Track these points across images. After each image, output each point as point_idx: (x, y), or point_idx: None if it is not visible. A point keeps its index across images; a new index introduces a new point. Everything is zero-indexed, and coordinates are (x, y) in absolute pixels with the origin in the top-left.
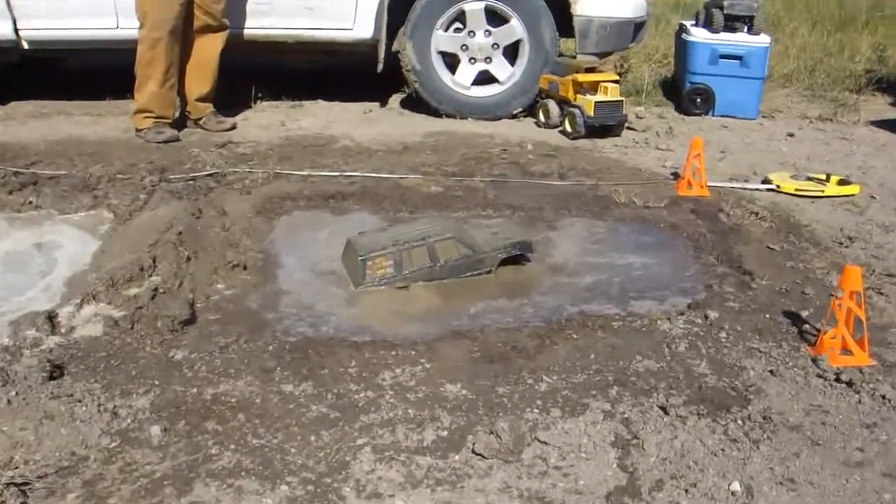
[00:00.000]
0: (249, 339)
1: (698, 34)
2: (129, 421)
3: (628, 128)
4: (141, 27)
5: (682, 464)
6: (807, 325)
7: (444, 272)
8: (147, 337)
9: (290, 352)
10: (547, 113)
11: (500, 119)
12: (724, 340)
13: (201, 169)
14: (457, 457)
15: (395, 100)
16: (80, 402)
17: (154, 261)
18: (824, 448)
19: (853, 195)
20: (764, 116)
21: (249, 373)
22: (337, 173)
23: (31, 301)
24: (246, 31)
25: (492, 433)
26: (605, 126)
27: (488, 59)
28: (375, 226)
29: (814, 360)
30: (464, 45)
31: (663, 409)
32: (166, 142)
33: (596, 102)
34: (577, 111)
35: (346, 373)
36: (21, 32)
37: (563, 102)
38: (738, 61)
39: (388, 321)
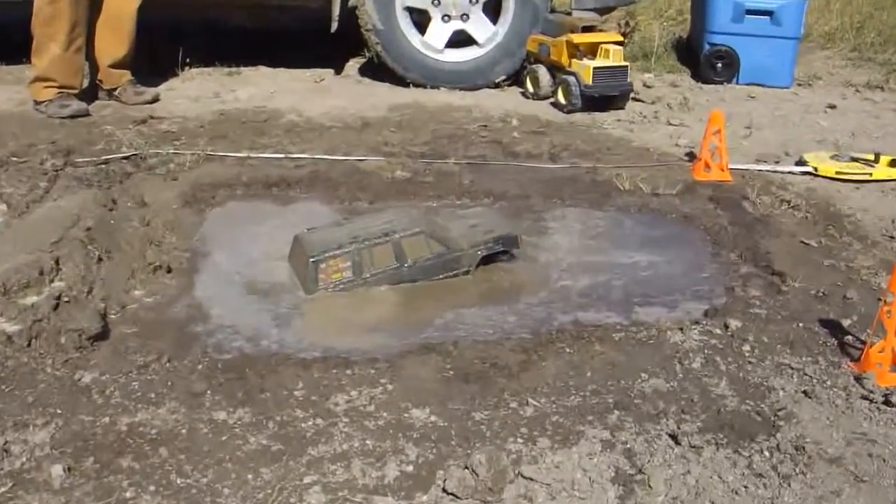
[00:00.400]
0: (174, 356)
1: None
2: (23, 459)
3: (634, 99)
4: None
5: None
6: (849, 337)
7: (413, 274)
8: (48, 356)
9: (223, 372)
10: (536, 81)
11: (479, 89)
12: (747, 355)
13: (116, 150)
14: (424, 497)
15: (352, 66)
16: None
17: (57, 263)
18: (870, 486)
19: None
20: (799, 84)
21: (174, 398)
22: (282, 155)
23: None
24: None
25: (467, 468)
26: (606, 97)
27: (465, 17)
28: (329, 219)
29: (857, 379)
30: None
31: (674, 437)
32: (72, 116)
33: (595, 69)
34: (571, 79)
35: (291, 396)
36: None
37: (555, 68)
38: (767, 17)
39: (344, 334)
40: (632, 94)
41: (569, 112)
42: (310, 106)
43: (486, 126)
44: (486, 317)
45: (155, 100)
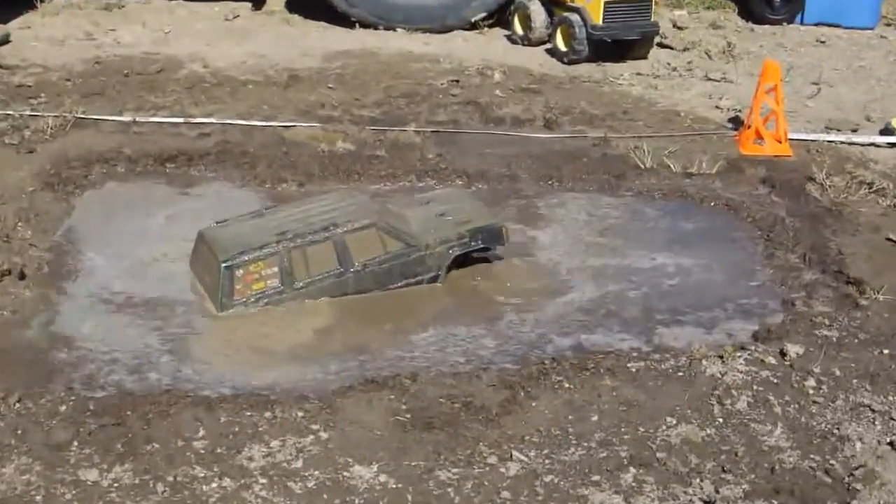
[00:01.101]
0: (27, 394)
1: None
2: None
3: (660, 45)
4: None
5: None
6: None
7: (362, 282)
8: None
9: (95, 415)
10: (527, 21)
11: (449, 31)
12: (812, 393)
13: None
14: None
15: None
16: None
17: None
18: None
19: None
20: (888, 24)
21: (26, 451)
22: (180, 119)
23: None
24: None
25: None
26: (622, 42)
27: None
28: (245, 208)
29: None
30: None
31: None
32: None
33: (607, 3)
34: (575, 18)
35: (188, 448)
36: None
37: (553, 3)
38: None
39: (265, 364)
40: (657, 39)
41: (571, 62)
42: (219, 53)
43: (458, 82)
44: (457, 340)
45: (3, 41)
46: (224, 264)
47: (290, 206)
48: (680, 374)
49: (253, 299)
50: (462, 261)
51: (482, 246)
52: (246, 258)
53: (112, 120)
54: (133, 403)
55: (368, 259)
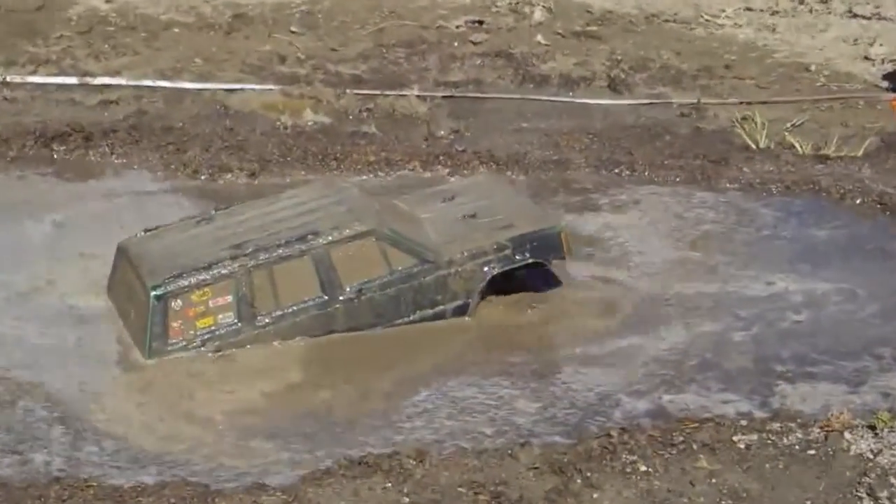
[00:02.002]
0: None
1: None
2: None
3: None
4: None
5: None
6: None
7: (357, 315)
8: None
9: None
10: None
11: None
12: None
13: None
14: None
15: None
16: None
17: None
18: None
19: None
20: None
21: None
22: (73, 80)
23: None
24: None
25: None
26: None
27: None
28: (173, 211)
29: None
30: None
31: None
32: None
33: None
34: None
35: None
36: None
37: None
38: None
39: (204, 436)
40: None
41: None
42: None
43: (481, 23)
44: (485, 400)
45: None
46: (154, 293)
47: (249, 205)
48: (811, 452)
49: (197, 342)
50: (501, 283)
51: (530, 261)
52: (186, 283)
53: None
54: (8, 500)
55: (365, 282)
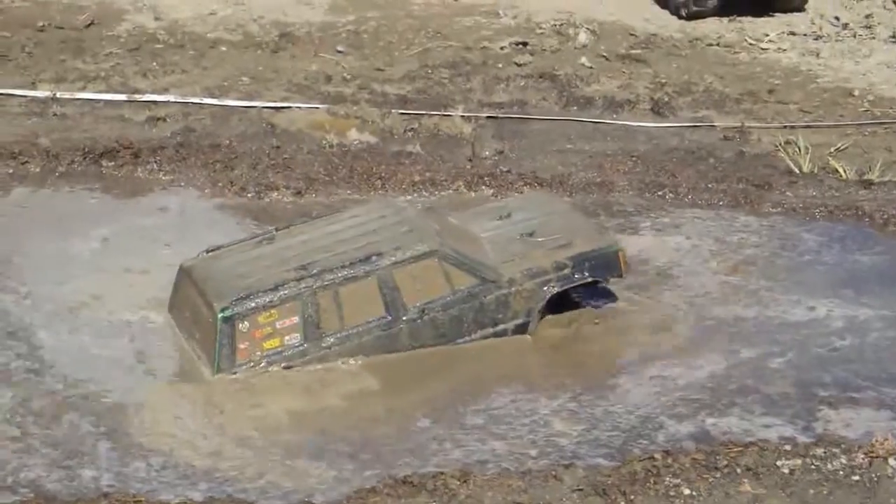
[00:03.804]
0: None
1: None
2: None
3: None
4: None
5: None
6: None
7: (419, 335)
8: None
9: None
10: None
11: None
12: None
13: None
14: None
15: None
16: None
17: None
18: None
19: None
20: None
21: None
22: (122, 96)
23: None
24: None
25: None
26: None
27: None
28: (219, 226)
29: None
30: None
31: None
32: None
33: None
34: None
35: None
36: None
37: None
38: None
39: (254, 453)
40: None
41: (691, 16)
42: None
43: (525, 45)
44: (528, 421)
45: None
46: (222, 315)
47: (309, 225)
48: (855, 478)
49: (264, 363)
50: (558, 300)
51: (589, 279)
52: (253, 305)
53: (21, 95)
54: None
55: (428, 302)
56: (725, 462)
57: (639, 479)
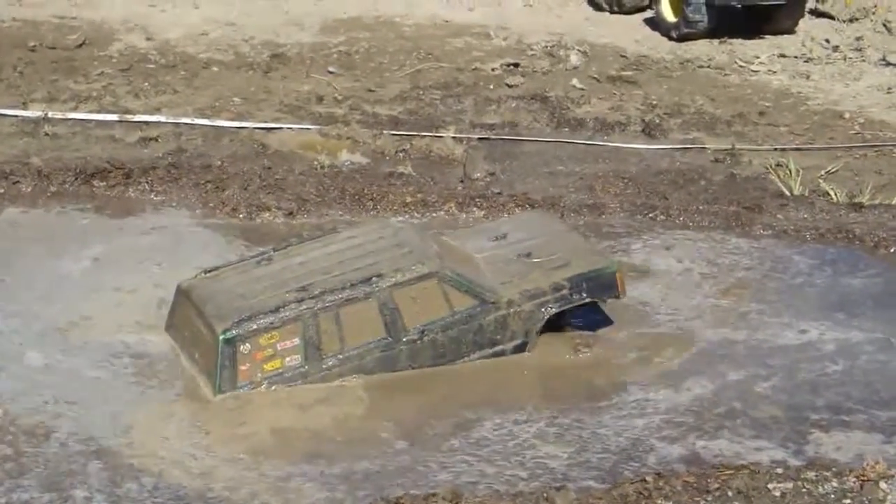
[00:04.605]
0: None
1: None
2: None
3: (813, 11)
4: None
5: None
6: None
7: (419, 356)
8: None
9: None
10: None
11: None
12: None
13: None
14: None
15: None
16: None
17: None
18: None
19: None
20: None
21: None
22: (114, 117)
23: None
24: None
25: None
26: (757, 7)
27: None
28: (211, 246)
29: None
30: None
31: None
32: None
33: None
34: None
35: None
36: None
37: None
38: None
39: (242, 473)
40: (810, 2)
41: (682, 38)
42: (168, 19)
43: (517, 66)
44: (518, 443)
45: None
46: (223, 337)
47: (307, 246)
48: (847, 501)
49: (265, 384)
50: (554, 321)
51: (587, 300)
52: (254, 327)
53: (12, 115)
54: None
55: (427, 323)
56: (717, 485)
57: (630, 501)
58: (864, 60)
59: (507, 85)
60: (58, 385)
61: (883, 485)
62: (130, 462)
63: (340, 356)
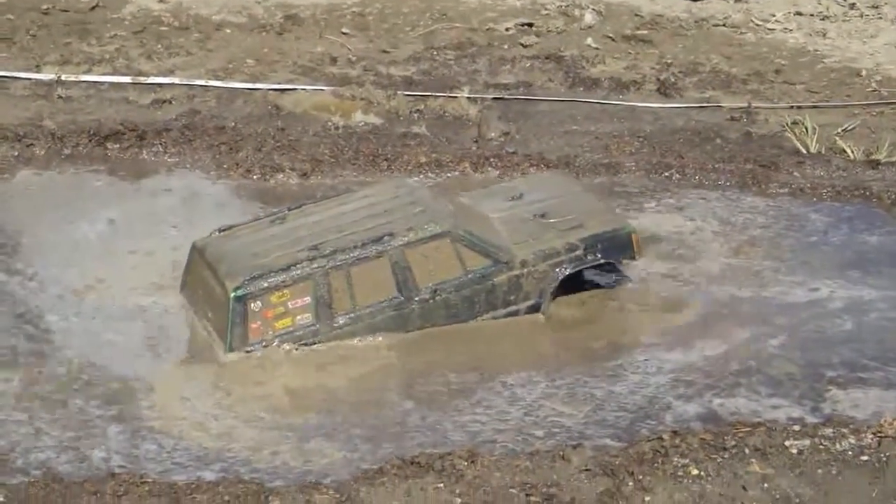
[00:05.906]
0: None
1: None
2: None
3: None
4: None
5: None
6: None
7: (431, 315)
8: None
9: None
10: None
11: None
12: None
13: None
14: None
15: None
16: None
17: None
18: None
19: None
20: None
21: None
22: (127, 78)
23: None
24: None
25: None
26: None
27: None
28: (226, 208)
29: None
30: None
31: None
32: None
33: None
34: None
35: None
36: None
37: None
38: None
39: (264, 434)
40: None
41: None
42: None
43: (531, 26)
44: (534, 402)
45: None
46: (234, 294)
47: (321, 205)
48: (865, 458)
49: (276, 342)
50: (571, 281)
51: (602, 261)
52: (265, 285)
53: (25, 78)
54: (64, 494)
55: (440, 283)
56: (734, 442)
57: (647, 459)
58: (880, 17)
59: (522, 45)
60: (75, 347)
61: None
62: (150, 424)
63: (352, 315)
